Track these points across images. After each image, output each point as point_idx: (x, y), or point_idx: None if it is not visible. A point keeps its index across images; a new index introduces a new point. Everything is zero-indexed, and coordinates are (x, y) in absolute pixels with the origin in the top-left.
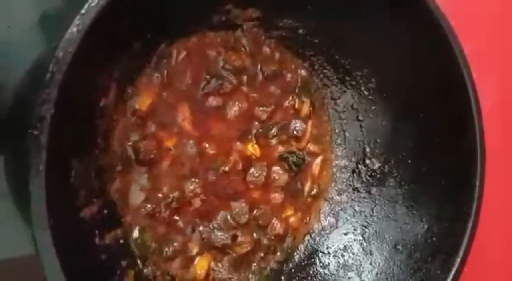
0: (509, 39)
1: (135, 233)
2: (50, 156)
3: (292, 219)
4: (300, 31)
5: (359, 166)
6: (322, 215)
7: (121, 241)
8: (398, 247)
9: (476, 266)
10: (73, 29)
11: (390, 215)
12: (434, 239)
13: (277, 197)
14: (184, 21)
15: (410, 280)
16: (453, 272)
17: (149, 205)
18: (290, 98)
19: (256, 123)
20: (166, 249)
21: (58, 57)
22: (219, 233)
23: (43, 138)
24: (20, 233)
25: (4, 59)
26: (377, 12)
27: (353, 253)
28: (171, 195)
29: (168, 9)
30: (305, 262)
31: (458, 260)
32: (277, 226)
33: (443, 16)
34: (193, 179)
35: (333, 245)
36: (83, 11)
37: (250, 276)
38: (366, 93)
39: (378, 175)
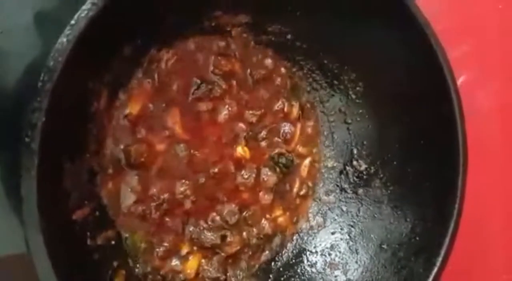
0: (509, 39)
1: (126, 234)
2: (42, 161)
3: (280, 219)
4: (289, 36)
5: (347, 167)
6: (310, 215)
7: (113, 242)
8: (383, 246)
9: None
10: (63, 39)
11: (375, 215)
12: (417, 238)
13: (266, 198)
14: (174, 26)
15: (394, 278)
16: (435, 270)
17: (140, 207)
18: (280, 101)
19: (246, 126)
20: (157, 249)
21: (49, 66)
22: (208, 234)
23: (34, 145)
24: (14, 231)
25: None
26: (364, 18)
27: (340, 252)
28: (162, 197)
29: (157, 15)
30: (293, 260)
31: (440, 259)
32: (266, 226)
33: (426, 22)
34: (183, 181)
35: (320, 244)
36: (72, 21)
37: (238, 272)
38: (353, 96)
39: (364, 176)
